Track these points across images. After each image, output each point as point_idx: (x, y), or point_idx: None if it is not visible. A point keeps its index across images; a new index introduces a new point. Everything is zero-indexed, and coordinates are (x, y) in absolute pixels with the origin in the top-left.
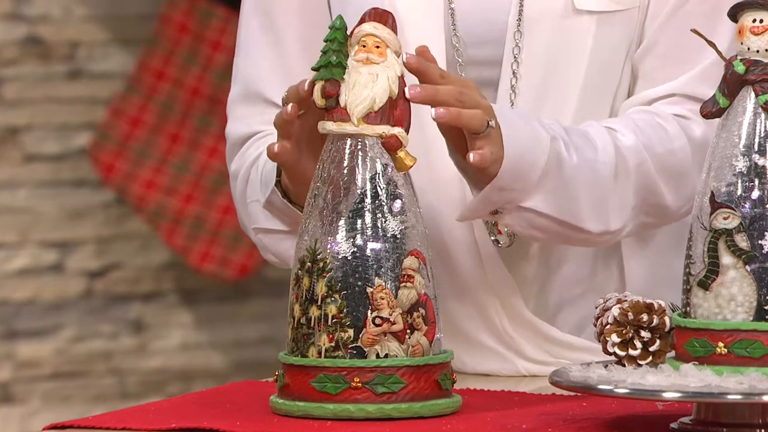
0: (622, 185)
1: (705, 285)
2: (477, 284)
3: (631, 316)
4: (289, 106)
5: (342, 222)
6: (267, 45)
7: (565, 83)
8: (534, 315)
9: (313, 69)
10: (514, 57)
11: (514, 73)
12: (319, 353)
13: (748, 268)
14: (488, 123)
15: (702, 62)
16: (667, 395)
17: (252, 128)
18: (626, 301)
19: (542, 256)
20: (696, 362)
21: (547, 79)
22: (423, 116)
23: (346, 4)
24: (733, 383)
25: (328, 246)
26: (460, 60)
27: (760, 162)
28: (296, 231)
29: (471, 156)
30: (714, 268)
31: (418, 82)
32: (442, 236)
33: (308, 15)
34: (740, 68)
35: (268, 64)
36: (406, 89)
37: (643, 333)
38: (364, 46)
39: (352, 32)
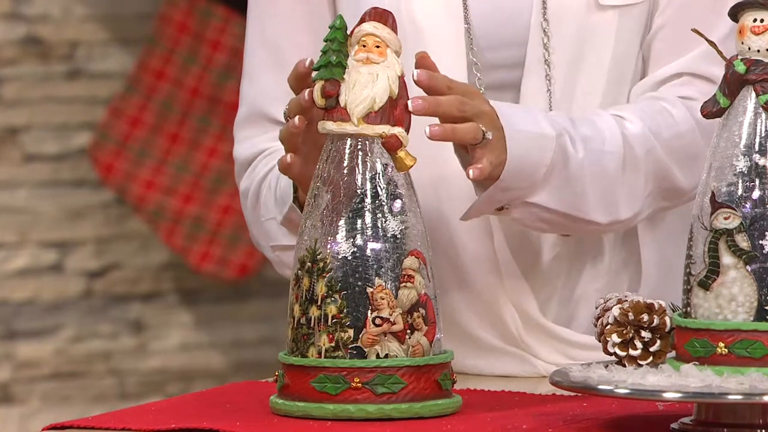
0: (631, 175)
1: (705, 285)
2: (490, 286)
3: (631, 316)
4: (297, 118)
5: (342, 222)
6: (273, 70)
7: (590, 79)
8: (557, 313)
9: (313, 69)
10: (545, 58)
11: (546, 73)
12: (319, 353)
13: (748, 268)
14: (484, 135)
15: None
16: (668, 395)
17: (258, 147)
18: (626, 301)
19: (563, 253)
20: (696, 362)
21: (574, 76)
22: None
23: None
24: (734, 383)
25: (328, 246)
26: (480, 64)
27: (761, 162)
28: None
29: (470, 172)
30: (714, 269)
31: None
32: (451, 236)
33: (316, 36)
34: (741, 68)
35: (273, 86)
36: (409, 102)
37: (643, 333)
38: (364, 46)
39: (352, 32)
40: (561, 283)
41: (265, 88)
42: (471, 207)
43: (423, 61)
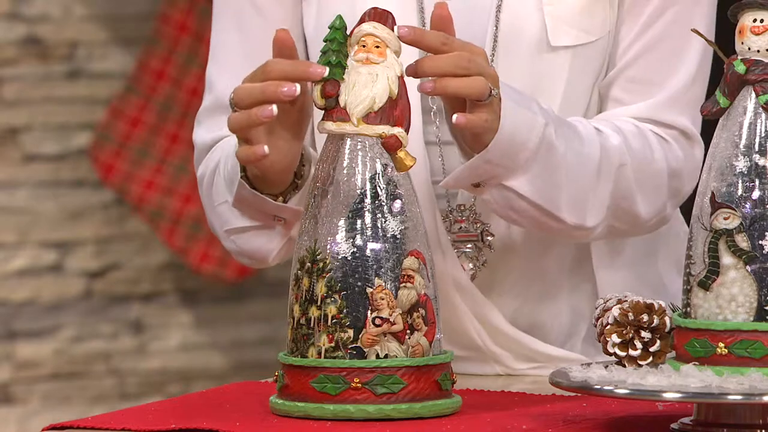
0: (603, 183)
1: (705, 285)
2: (451, 305)
3: (631, 316)
4: (273, 107)
5: (342, 222)
6: (244, 60)
7: None
8: (521, 323)
9: None
10: None
11: None
12: (319, 354)
13: (748, 268)
14: (491, 91)
15: (670, 88)
16: (668, 396)
17: (216, 134)
18: (626, 301)
19: (513, 279)
20: (696, 363)
21: None
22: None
23: (320, 6)
24: (734, 384)
25: (328, 246)
26: None
27: (761, 162)
28: (268, 224)
29: (455, 117)
30: (714, 269)
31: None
32: None
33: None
34: (741, 68)
35: (239, 72)
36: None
37: (643, 333)
38: (363, 46)
39: (351, 32)
40: (511, 308)
41: (235, 81)
42: (451, 175)
43: (441, 10)
